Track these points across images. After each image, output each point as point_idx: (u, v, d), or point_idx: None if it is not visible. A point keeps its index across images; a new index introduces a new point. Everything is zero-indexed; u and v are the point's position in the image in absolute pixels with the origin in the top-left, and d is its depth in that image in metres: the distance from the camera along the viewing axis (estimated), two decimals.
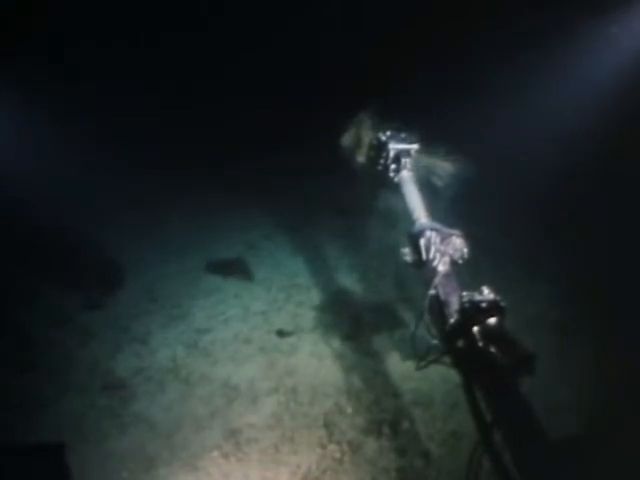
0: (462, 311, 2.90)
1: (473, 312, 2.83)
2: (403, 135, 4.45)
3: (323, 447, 4.39)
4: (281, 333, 5.66)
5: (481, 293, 2.92)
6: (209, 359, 5.41)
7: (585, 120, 6.58)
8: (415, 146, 4.37)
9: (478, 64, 7.15)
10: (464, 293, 2.98)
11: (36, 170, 6.93)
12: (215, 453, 4.37)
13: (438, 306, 3.24)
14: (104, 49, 7.78)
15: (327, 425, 4.58)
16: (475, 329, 2.80)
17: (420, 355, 3.32)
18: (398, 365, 5.13)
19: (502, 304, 2.86)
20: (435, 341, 3.20)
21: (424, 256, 3.45)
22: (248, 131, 8.23)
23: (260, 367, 5.25)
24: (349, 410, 4.72)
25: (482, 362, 2.76)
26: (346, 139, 4.78)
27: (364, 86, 7.32)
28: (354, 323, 5.68)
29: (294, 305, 6.12)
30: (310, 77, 8.11)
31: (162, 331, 5.85)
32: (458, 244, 3.47)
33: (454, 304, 3.12)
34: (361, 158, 4.70)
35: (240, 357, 5.40)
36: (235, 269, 6.81)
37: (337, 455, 4.33)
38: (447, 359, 3.10)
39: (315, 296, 6.25)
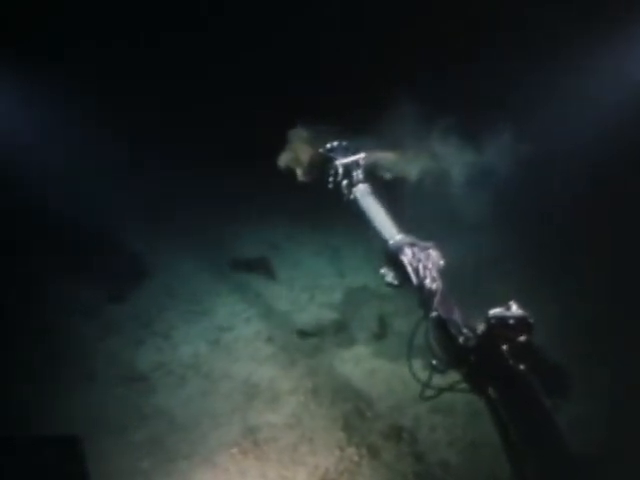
0: (489, 328, 2.73)
1: (501, 329, 2.69)
2: (346, 146, 4.08)
3: (342, 449, 4.37)
4: (303, 334, 5.65)
5: (509, 309, 2.77)
6: (230, 356, 5.43)
7: (605, 125, 6.44)
8: (363, 155, 4.00)
9: (485, 67, 7.01)
10: (492, 311, 2.79)
11: (60, 166, 7.05)
12: (234, 450, 4.38)
13: (442, 327, 3.02)
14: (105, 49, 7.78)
15: (346, 428, 4.56)
16: (503, 347, 2.64)
17: (424, 382, 3.12)
18: (420, 371, 5.06)
19: (531, 320, 2.71)
20: (434, 362, 3.01)
21: (414, 278, 3.22)
22: (263, 131, 8.24)
23: (281, 367, 5.25)
24: (369, 414, 4.69)
25: (511, 383, 2.64)
26: (283, 159, 4.42)
27: (364, 87, 7.35)
28: (378, 326, 5.66)
29: (317, 306, 6.12)
30: (311, 77, 8.10)
31: (184, 327, 5.89)
32: (435, 257, 3.29)
33: (458, 321, 2.97)
34: (304, 177, 4.38)
35: (261, 356, 5.42)
36: (258, 268, 6.83)
37: (355, 458, 4.31)
38: (463, 385, 2.88)
39: (339, 297, 6.24)
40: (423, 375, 3.15)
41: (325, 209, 7.48)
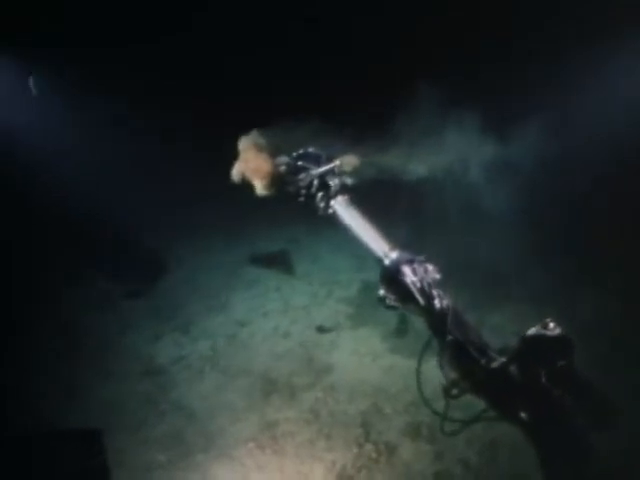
0: (524, 350, 2.46)
1: (538, 352, 2.45)
2: (316, 153, 3.62)
3: (360, 446, 4.33)
4: (321, 329, 5.63)
5: (545, 327, 2.49)
6: (248, 351, 5.44)
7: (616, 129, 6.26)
8: (338, 162, 3.57)
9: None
10: (529, 331, 2.62)
11: (88, 165, 7.10)
12: (251, 444, 4.37)
13: (461, 351, 2.65)
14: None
15: (364, 424, 4.52)
16: (540, 371, 2.40)
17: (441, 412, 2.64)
18: (433, 370, 5.00)
19: (572, 341, 2.45)
20: (445, 382, 2.61)
21: (421, 300, 2.81)
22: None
23: (299, 362, 5.24)
24: (387, 410, 4.64)
25: (552, 411, 2.40)
26: (237, 170, 3.75)
27: (365, 87, 7.30)
28: (397, 322, 5.60)
29: (335, 301, 6.10)
30: (313, 77, 8.06)
31: (202, 321, 5.92)
32: (431, 271, 2.91)
33: (477, 341, 2.62)
34: (265, 190, 3.73)
35: (279, 351, 5.41)
36: (277, 262, 6.83)
37: (373, 455, 4.26)
38: (491, 412, 2.54)
39: (357, 293, 6.20)
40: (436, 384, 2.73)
41: None
